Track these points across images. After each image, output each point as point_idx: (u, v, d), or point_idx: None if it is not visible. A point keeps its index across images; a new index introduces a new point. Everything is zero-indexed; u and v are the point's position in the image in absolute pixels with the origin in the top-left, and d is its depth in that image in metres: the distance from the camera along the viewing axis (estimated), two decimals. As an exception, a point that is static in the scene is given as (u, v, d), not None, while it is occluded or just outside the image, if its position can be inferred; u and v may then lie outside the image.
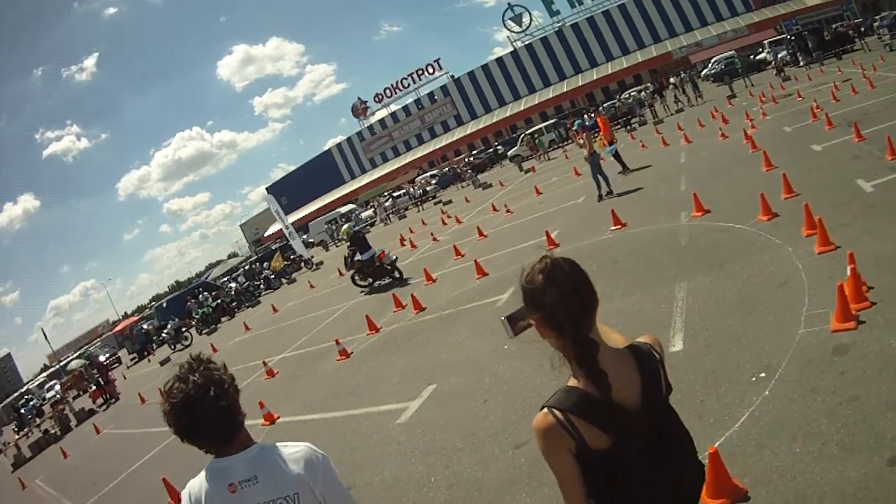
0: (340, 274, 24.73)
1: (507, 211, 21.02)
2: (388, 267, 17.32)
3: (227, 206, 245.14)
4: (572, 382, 1.82)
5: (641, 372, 1.83)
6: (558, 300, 1.76)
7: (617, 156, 18.46)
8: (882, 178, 8.87)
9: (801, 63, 36.61)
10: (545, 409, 1.78)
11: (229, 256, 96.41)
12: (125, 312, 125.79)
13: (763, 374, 4.96)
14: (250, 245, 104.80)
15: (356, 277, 18.60)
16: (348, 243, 18.46)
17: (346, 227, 19.77)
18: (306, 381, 11.48)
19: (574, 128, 22.06)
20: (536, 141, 43.71)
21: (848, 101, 17.44)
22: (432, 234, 23.09)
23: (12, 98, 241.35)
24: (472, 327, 9.82)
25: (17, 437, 26.46)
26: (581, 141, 16.69)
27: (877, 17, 36.27)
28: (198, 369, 2.03)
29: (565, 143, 43.53)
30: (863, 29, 38.54)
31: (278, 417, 9.88)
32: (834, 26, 41.18)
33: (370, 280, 18.14)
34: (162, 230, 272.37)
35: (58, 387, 38.83)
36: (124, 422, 17.83)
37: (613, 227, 12.02)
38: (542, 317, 1.81)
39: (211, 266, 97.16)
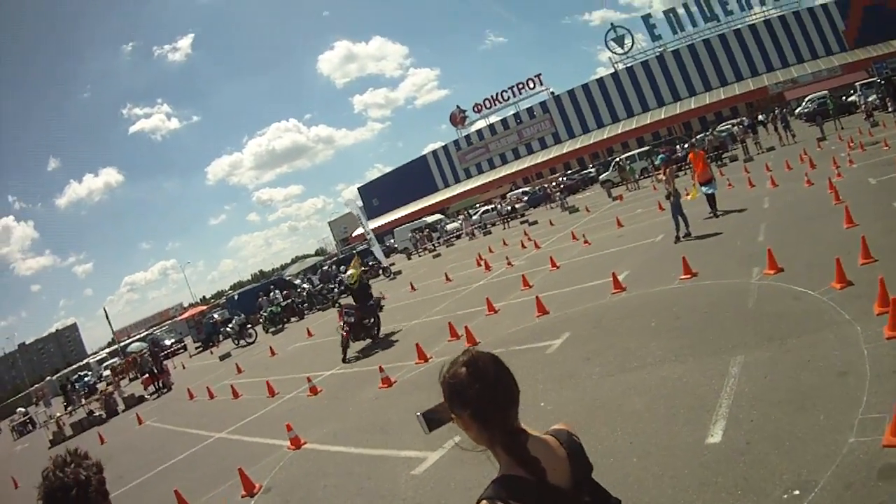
0: (412, 288, 24.60)
1: (585, 241, 20.45)
2: (377, 317, 16.34)
3: (319, 201, 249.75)
4: (503, 472, 1.79)
5: (568, 452, 1.87)
6: (484, 392, 1.78)
7: (710, 197, 17.22)
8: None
9: (891, 108, 34.51)
10: (483, 502, 1.73)
11: (316, 252, 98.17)
12: (203, 296, 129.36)
13: (797, 493, 4.32)
14: (337, 243, 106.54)
15: (350, 340, 15.53)
16: (354, 287, 16.16)
17: (355, 271, 16.41)
18: (344, 407, 11.31)
19: (657, 161, 21.09)
20: (627, 168, 42.60)
21: (934, 155, 16.33)
22: (507, 259, 22.74)
23: (99, 71, 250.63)
24: (516, 374, 9.30)
25: (60, 413, 26.98)
26: (662, 177, 15.92)
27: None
28: (69, 465, 1.92)
29: (657, 172, 42.36)
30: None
31: (305, 443, 9.74)
32: None
33: (358, 337, 15.88)
34: (250, 218, 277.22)
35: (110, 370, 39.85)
36: (168, 416, 18.27)
37: (683, 276, 11.36)
38: (470, 412, 1.80)
39: (297, 259, 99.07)
